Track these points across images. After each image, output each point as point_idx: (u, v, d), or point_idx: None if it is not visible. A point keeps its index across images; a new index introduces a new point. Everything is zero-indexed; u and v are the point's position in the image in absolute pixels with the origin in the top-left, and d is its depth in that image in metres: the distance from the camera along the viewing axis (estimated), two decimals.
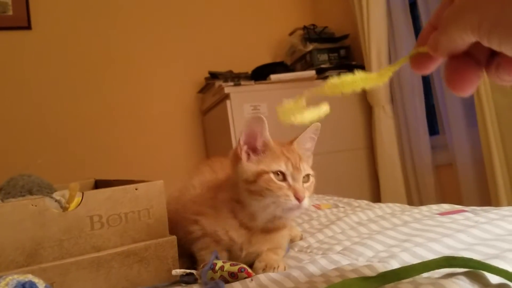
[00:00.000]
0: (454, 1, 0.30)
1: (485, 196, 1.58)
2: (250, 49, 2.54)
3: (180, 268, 0.65)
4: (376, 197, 2.06)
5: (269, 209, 0.63)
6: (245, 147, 0.66)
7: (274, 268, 0.62)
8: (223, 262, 0.61)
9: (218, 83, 2.09)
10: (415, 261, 0.55)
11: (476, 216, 0.76)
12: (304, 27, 2.32)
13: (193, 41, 2.50)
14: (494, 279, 0.44)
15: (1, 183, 0.85)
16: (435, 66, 0.35)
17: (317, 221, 0.96)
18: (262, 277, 0.57)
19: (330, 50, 2.19)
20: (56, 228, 0.59)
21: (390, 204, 1.02)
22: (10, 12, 2.22)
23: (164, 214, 0.68)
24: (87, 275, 0.60)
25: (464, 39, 0.30)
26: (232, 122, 1.96)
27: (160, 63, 2.44)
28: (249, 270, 0.60)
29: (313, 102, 0.37)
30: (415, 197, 1.93)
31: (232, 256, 0.68)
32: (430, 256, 0.57)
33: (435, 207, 0.91)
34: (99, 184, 1.11)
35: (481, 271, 0.45)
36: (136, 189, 0.66)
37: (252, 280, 0.57)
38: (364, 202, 1.13)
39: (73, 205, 0.62)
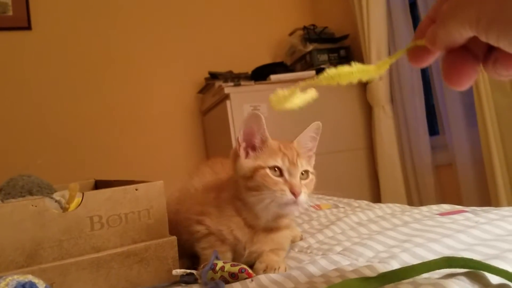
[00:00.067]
0: None
1: (485, 196, 1.58)
2: (250, 49, 2.54)
3: (180, 269, 0.65)
4: (376, 197, 2.06)
5: (266, 205, 0.63)
6: (243, 145, 0.67)
7: (275, 269, 0.62)
8: (223, 262, 0.61)
9: (218, 83, 2.09)
10: (415, 261, 0.55)
11: (476, 217, 0.76)
12: (304, 28, 2.32)
13: (193, 41, 2.50)
14: (494, 279, 0.44)
15: (1, 184, 0.85)
16: (432, 59, 0.35)
17: (317, 222, 0.96)
18: (262, 277, 0.57)
19: (330, 50, 2.19)
20: (56, 229, 0.59)
21: (390, 205, 1.02)
22: (10, 13, 2.22)
23: (164, 214, 0.68)
24: (87, 275, 0.59)
25: (462, 34, 0.30)
26: (232, 122, 1.96)
27: (160, 63, 2.44)
28: (250, 271, 0.60)
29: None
30: (415, 197, 1.93)
31: (235, 255, 0.68)
32: (430, 257, 0.57)
33: (435, 208, 0.91)
34: (99, 185, 1.11)
35: (481, 271, 0.45)
36: (136, 190, 0.66)
37: (252, 280, 0.57)
38: (364, 203, 1.13)
39: (73, 205, 0.62)
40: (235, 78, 2.10)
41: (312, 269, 0.58)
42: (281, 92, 0.37)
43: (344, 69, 0.35)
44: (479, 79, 1.51)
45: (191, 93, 2.48)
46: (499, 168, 1.47)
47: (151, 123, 2.40)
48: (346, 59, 2.21)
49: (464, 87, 0.33)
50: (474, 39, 0.30)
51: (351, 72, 0.35)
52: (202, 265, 0.64)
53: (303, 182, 0.65)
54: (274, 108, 0.38)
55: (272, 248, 0.68)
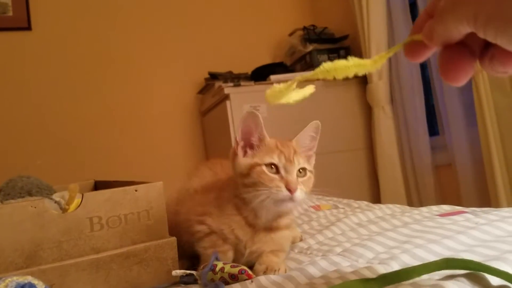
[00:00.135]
0: None
1: (485, 197, 1.58)
2: (250, 49, 2.54)
3: (180, 270, 0.65)
4: (376, 198, 2.06)
5: (262, 201, 0.63)
6: (241, 143, 0.68)
7: (275, 270, 0.62)
8: (223, 263, 0.61)
9: (218, 83, 2.09)
10: (415, 262, 0.55)
11: (476, 218, 0.76)
12: (304, 28, 2.32)
13: (193, 41, 2.50)
14: (494, 280, 0.44)
15: (0, 185, 0.85)
16: (429, 55, 0.35)
17: (317, 222, 0.96)
18: (262, 278, 0.57)
19: (330, 50, 2.19)
20: (55, 230, 0.59)
21: (390, 205, 1.02)
22: (10, 13, 2.22)
23: (164, 215, 0.68)
24: (87, 276, 0.59)
25: (459, 30, 0.30)
26: (232, 122, 1.95)
27: (160, 64, 2.44)
28: (250, 272, 0.60)
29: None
30: (414, 197, 1.93)
31: (235, 255, 0.68)
32: (430, 258, 0.57)
33: (435, 208, 0.91)
34: (98, 185, 1.11)
35: (481, 272, 0.45)
36: (135, 191, 0.66)
37: (252, 281, 0.57)
38: (364, 203, 1.13)
39: (72, 206, 0.62)
40: (235, 79, 2.10)
41: (312, 270, 0.58)
42: (277, 87, 0.37)
43: (340, 63, 0.35)
44: (479, 79, 1.51)
45: (191, 94, 2.48)
46: (499, 169, 1.47)
47: (151, 123, 2.39)
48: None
49: (461, 82, 0.33)
50: (471, 35, 0.30)
51: (348, 66, 0.35)
52: (202, 266, 0.64)
53: (301, 179, 0.65)
54: (270, 103, 0.38)
55: (273, 249, 0.68)
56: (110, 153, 2.28)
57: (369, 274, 0.51)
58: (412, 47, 0.35)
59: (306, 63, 2.23)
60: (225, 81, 2.06)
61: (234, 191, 0.68)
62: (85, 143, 2.26)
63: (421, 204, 1.86)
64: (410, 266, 0.48)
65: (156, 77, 2.42)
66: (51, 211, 0.59)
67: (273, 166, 0.64)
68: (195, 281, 0.64)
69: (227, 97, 1.98)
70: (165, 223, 0.68)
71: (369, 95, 2.07)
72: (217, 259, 0.63)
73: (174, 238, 0.67)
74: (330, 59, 0.35)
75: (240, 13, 2.61)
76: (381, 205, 1.04)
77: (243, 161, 0.66)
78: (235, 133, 2.12)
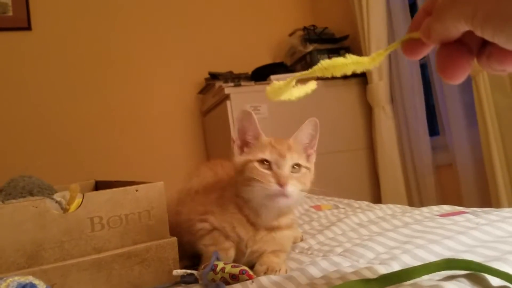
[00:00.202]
0: None
1: (485, 197, 1.58)
2: (250, 49, 2.54)
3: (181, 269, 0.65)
4: (377, 198, 2.06)
5: (256, 197, 0.64)
6: (238, 142, 0.69)
7: (276, 271, 0.62)
8: (224, 263, 0.61)
9: (218, 83, 2.09)
10: (416, 263, 0.55)
11: (477, 218, 0.76)
12: (304, 28, 2.32)
13: (193, 41, 2.50)
14: (495, 281, 0.44)
15: (1, 184, 0.85)
16: (427, 52, 0.35)
17: (318, 222, 0.96)
18: (263, 279, 0.57)
19: (330, 50, 2.19)
20: (56, 230, 0.59)
21: (391, 205, 1.02)
22: (10, 13, 2.22)
23: (165, 215, 0.68)
24: (88, 276, 0.59)
25: (457, 28, 0.30)
26: (232, 123, 1.96)
27: (160, 64, 2.44)
28: (250, 272, 0.60)
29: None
30: (415, 197, 1.93)
31: (237, 254, 0.68)
32: (431, 258, 0.57)
33: (435, 209, 0.91)
34: (99, 185, 1.11)
35: (482, 273, 0.45)
36: (136, 191, 0.66)
37: (253, 282, 0.57)
38: (364, 203, 1.13)
39: (73, 206, 0.62)
40: (235, 79, 2.10)
41: (313, 270, 0.58)
42: (277, 83, 0.38)
43: (338, 60, 0.35)
44: (479, 79, 1.51)
45: (191, 94, 2.48)
46: (500, 169, 1.47)
47: (151, 123, 2.40)
48: None
49: (458, 80, 0.33)
50: (469, 33, 0.30)
51: (345, 63, 0.35)
52: (203, 266, 0.64)
53: (294, 175, 0.65)
54: (270, 99, 0.38)
55: (274, 249, 0.68)
56: (110, 153, 2.28)
57: (370, 275, 0.51)
58: (410, 45, 0.35)
59: (307, 63, 2.23)
60: (226, 81, 2.07)
61: (235, 190, 0.69)
62: (86, 143, 2.26)
63: (421, 204, 1.86)
64: (410, 266, 0.48)
65: (157, 77, 2.42)
66: (52, 211, 0.60)
67: (265, 162, 0.65)
68: (196, 281, 0.64)
69: (227, 97, 1.98)
70: (166, 223, 0.68)
71: (369, 95, 2.07)
72: (218, 259, 0.63)
73: (175, 238, 0.67)
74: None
75: (240, 13, 2.61)
76: (382, 205, 1.04)
77: (238, 158, 0.68)
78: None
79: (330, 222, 0.93)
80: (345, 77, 2.17)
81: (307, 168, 0.68)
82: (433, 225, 0.76)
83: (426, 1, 0.34)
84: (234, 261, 0.67)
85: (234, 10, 2.60)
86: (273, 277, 0.58)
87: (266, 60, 2.41)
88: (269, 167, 0.64)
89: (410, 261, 0.57)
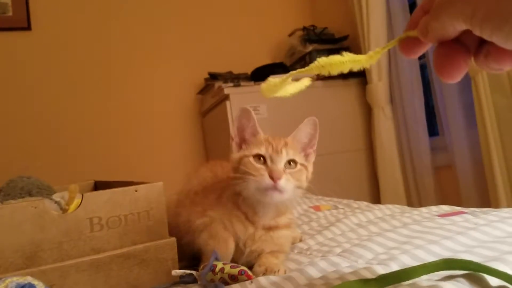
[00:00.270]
0: None
1: (485, 198, 1.58)
2: (249, 49, 2.54)
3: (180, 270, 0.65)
4: (376, 198, 2.06)
5: (249, 190, 0.65)
6: (236, 139, 0.70)
7: (275, 272, 0.62)
8: (223, 263, 0.61)
9: (217, 84, 2.09)
10: (414, 263, 0.55)
11: (476, 218, 0.76)
12: (304, 28, 2.32)
13: (193, 41, 2.50)
14: (493, 281, 0.44)
15: (0, 185, 0.85)
16: (424, 51, 0.35)
17: (317, 223, 0.96)
18: (262, 279, 0.57)
19: (330, 51, 2.18)
20: (55, 230, 0.59)
21: (390, 206, 1.02)
22: (10, 13, 2.22)
23: (164, 216, 0.68)
24: (87, 277, 0.59)
25: (455, 27, 0.30)
26: (232, 123, 1.95)
27: (160, 64, 2.44)
28: (249, 273, 0.60)
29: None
30: (414, 198, 1.93)
31: (235, 254, 0.68)
32: (430, 258, 0.57)
33: (434, 209, 0.92)
34: (98, 186, 1.11)
35: (480, 273, 0.45)
36: (135, 191, 0.66)
37: (252, 282, 0.57)
38: (363, 204, 1.13)
39: (72, 207, 0.62)
40: (235, 79, 2.10)
41: (312, 271, 0.58)
42: (272, 80, 0.38)
43: (335, 58, 0.35)
44: (479, 80, 1.51)
45: (191, 94, 2.48)
46: (499, 169, 1.47)
47: (151, 124, 2.39)
48: None
49: (455, 79, 0.33)
50: (466, 32, 0.30)
51: (343, 61, 0.35)
52: (202, 266, 0.64)
53: (289, 170, 0.66)
54: (265, 96, 0.39)
55: (272, 249, 0.68)
56: (110, 153, 2.28)
57: (369, 275, 0.51)
58: (407, 43, 0.35)
59: (306, 63, 2.23)
60: (225, 82, 2.06)
61: (233, 188, 0.69)
62: (85, 143, 2.26)
63: (420, 204, 1.86)
64: (409, 266, 0.48)
65: (156, 77, 2.42)
66: (51, 212, 0.60)
67: (260, 157, 0.66)
68: (194, 281, 0.64)
69: (227, 97, 1.98)
70: (165, 223, 0.68)
71: (368, 96, 2.08)
72: (217, 259, 0.63)
73: (174, 239, 0.67)
74: None
75: (240, 13, 2.61)
76: (381, 206, 1.04)
77: (235, 155, 0.69)
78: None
79: (329, 223, 0.93)
80: (344, 77, 2.17)
81: (303, 165, 0.68)
82: (432, 225, 0.76)
83: (424, 0, 0.34)
84: (233, 261, 0.67)
85: (234, 10, 2.60)
86: (272, 277, 0.58)
87: (266, 60, 2.41)
88: (264, 162, 0.65)
89: (409, 262, 0.57)
